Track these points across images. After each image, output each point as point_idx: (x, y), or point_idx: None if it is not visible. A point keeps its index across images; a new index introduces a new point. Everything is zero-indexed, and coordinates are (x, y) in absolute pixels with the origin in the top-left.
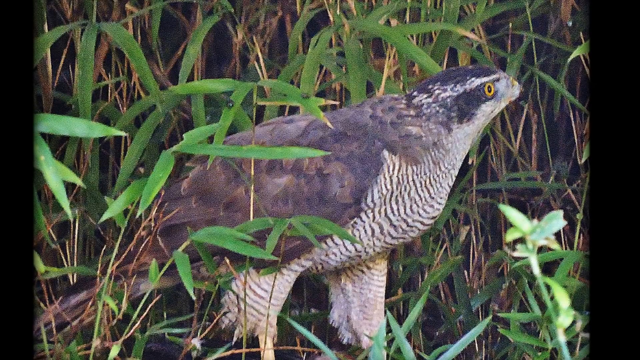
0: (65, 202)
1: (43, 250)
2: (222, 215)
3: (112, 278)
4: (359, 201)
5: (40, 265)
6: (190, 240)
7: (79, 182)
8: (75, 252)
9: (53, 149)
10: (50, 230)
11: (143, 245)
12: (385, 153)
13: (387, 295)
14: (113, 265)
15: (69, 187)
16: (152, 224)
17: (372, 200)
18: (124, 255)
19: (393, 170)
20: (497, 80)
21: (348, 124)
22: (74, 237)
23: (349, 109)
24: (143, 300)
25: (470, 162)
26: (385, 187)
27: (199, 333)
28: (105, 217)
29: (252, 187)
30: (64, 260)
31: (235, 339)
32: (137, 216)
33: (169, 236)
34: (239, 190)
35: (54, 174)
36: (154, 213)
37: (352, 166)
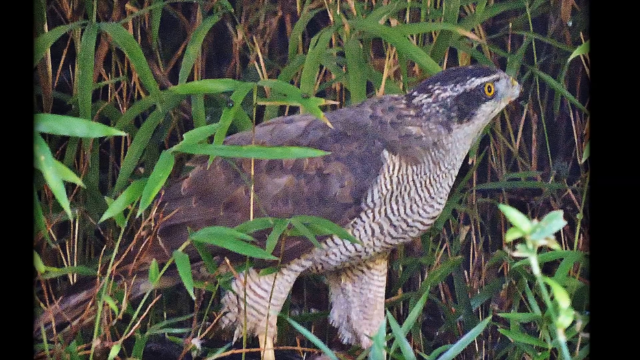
0: (65, 202)
1: (43, 250)
2: (222, 215)
3: (112, 278)
4: (359, 201)
5: (40, 265)
6: (190, 240)
7: (79, 182)
8: (75, 252)
9: (53, 149)
10: (50, 230)
11: (143, 245)
12: (385, 153)
13: (387, 295)
14: (113, 265)
15: (69, 187)
16: (152, 224)
17: (372, 200)
18: (124, 255)
19: (393, 170)
20: (497, 80)
21: (348, 124)
22: (74, 237)
23: (349, 109)
24: (143, 300)
25: (470, 162)
26: (385, 187)
27: (199, 333)
28: (105, 217)
29: (252, 187)
30: (64, 260)
31: (235, 339)
32: (137, 216)
33: (169, 236)
34: (239, 190)
35: (54, 174)
36: (154, 213)
37: (352, 166)
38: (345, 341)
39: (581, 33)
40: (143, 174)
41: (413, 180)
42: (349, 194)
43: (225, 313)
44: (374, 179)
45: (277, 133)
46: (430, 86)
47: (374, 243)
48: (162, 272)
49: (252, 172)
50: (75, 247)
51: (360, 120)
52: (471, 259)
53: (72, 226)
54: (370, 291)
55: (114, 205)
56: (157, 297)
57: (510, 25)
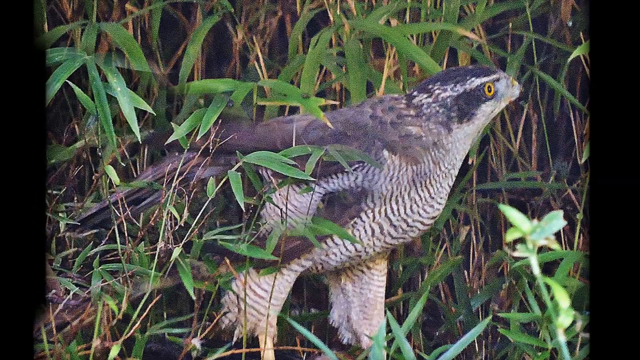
0: (135, 126)
1: (118, 166)
2: None
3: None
4: (359, 201)
5: (115, 178)
6: (242, 162)
7: (149, 109)
8: (145, 169)
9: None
10: (124, 149)
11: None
12: (385, 153)
13: (387, 295)
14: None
15: (140, 114)
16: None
17: (372, 200)
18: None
19: (393, 170)
20: (497, 80)
21: (348, 123)
22: (143, 156)
23: (349, 109)
24: (143, 301)
25: (470, 162)
26: (385, 187)
27: (199, 333)
28: (171, 139)
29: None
30: (134, 172)
31: (235, 339)
32: (197, 139)
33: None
34: None
35: (128, 103)
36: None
37: (352, 166)
38: (345, 341)
39: (581, 33)
40: (203, 105)
41: (413, 180)
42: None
43: (225, 313)
44: (374, 179)
45: (279, 133)
46: (430, 86)
47: (374, 243)
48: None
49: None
50: (145, 165)
51: (360, 120)
52: (471, 259)
53: (141, 147)
54: (370, 291)
55: (179, 129)
56: (157, 297)
57: (510, 25)
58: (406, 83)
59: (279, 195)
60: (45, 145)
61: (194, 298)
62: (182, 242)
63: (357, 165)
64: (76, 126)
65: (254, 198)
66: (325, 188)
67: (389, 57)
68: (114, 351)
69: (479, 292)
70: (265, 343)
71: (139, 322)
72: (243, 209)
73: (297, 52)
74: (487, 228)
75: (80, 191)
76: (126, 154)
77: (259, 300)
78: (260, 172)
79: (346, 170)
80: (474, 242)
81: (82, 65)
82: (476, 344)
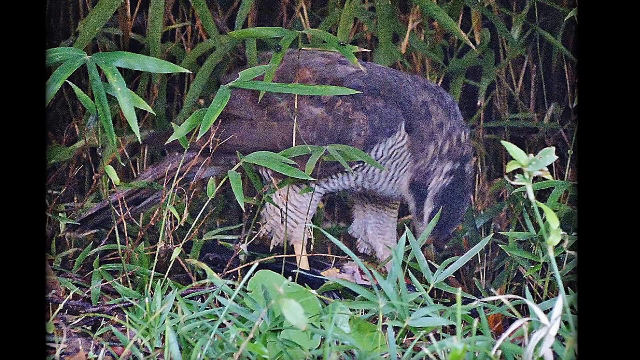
0: (135, 126)
1: (117, 166)
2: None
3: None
4: (367, 151)
5: (115, 178)
6: (242, 162)
7: (149, 109)
8: (145, 169)
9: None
10: (124, 149)
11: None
12: (403, 125)
13: (403, 215)
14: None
15: (140, 114)
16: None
17: (375, 155)
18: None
19: (396, 142)
20: None
21: (385, 83)
22: (143, 156)
23: (395, 74)
24: (201, 211)
25: (478, 103)
26: (382, 153)
27: (246, 240)
28: (171, 139)
29: (295, 118)
30: (134, 172)
31: (271, 246)
32: (197, 139)
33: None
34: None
35: (128, 102)
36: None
37: (372, 120)
38: (362, 251)
39: None
40: (203, 105)
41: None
42: (362, 143)
43: (263, 223)
44: (383, 139)
45: (329, 69)
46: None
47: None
48: (218, 186)
49: (296, 105)
50: (145, 165)
51: (396, 86)
52: (476, 185)
53: (141, 147)
54: (384, 211)
55: (179, 129)
56: (212, 210)
57: None
58: (427, 35)
59: (279, 195)
60: (45, 145)
61: (244, 210)
62: (182, 242)
63: (357, 165)
64: (76, 126)
65: (254, 198)
66: (325, 188)
67: (413, 13)
68: (176, 252)
69: (482, 213)
70: (300, 250)
71: (196, 229)
72: (243, 209)
73: (336, 6)
74: (490, 160)
75: (80, 191)
76: (126, 154)
77: (294, 210)
78: (260, 172)
79: (346, 170)
80: (479, 171)
81: (82, 65)
82: (479, 257)
